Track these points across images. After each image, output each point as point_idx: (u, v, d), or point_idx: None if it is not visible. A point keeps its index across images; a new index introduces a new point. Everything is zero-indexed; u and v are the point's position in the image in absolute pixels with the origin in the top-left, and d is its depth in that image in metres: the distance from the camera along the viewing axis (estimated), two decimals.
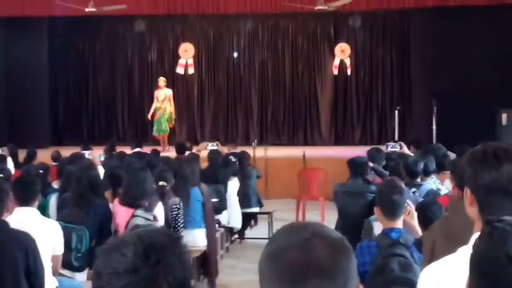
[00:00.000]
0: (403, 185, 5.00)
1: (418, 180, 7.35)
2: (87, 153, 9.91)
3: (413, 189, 7.01)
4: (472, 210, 2.32)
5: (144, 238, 1.60)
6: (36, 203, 5.54)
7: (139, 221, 6.26)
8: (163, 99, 17.85)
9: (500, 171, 2.21)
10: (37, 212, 5.50)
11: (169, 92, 18.11)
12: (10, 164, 10.70)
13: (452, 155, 8.70)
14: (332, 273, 1.51)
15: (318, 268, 1.50)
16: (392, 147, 9.94)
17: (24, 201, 5.40)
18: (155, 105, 17.89)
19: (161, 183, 7.35)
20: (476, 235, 1.84)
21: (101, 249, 1.63)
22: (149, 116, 18.14)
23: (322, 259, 1.50)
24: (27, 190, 5.44)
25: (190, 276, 1.66)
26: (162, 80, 18.10)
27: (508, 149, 2.27)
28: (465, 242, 2.22)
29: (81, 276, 6.18)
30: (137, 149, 13.01)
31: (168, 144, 17.63)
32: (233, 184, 10.26)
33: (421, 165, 7.41)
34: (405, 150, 9.92)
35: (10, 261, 4.59)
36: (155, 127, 17.95)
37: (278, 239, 1.58)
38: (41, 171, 8.52)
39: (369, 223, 5.94)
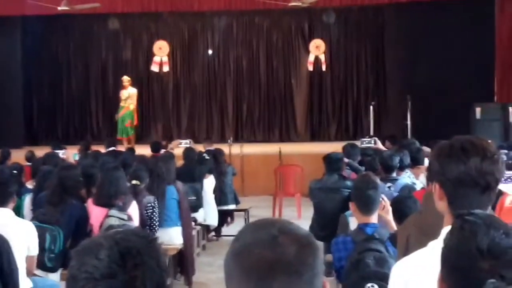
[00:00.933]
0: (379, 180, 5.01)
1: (394, 174, 7.38)
2: (61, 153, 9.83)
3: (389, 184, 7.04)
4: (441, 204, 2.34)
5: (119, 241, 1.58)
6: (11, 204, 5.49)
7: (113, 221, 6.23)
8: (126, 98, 17.82)
9: (468, 164, 2.24)
10: (11, 213, 5.46)
11: (132, 91, 18.09)
12: None
13: (427, 150, 8.74)
14: (299, 270, 1.50)
15: (285, 265, 1.49)
16: (366, 143, 9.96)
17: (0, 201, 5.36)
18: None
19: (134, 181, 7.31)
20: (446, 229, 1.85)
21: (75, 251, 1.60)
22: (117, 117, 18.10)
23: (289, 256, 1.50)
24: (1, 191, 5.39)
25: (166, 279, 1.64)
26: (125, 80, 18.06)
27: (475, 142, 2.29)
28: (437, 236, 2.23)
29: (54, 277, 6.13)
30: (112, 148, 12.93)
31: (134, 143, 17.46)
32: (209, 182, 10.24)
33: (396, 160, 7.44)
34: (379, 145, 9.95)
35: None
36: (118, 128, 17.92)
37: (244, 236, 1.56)
38: (15, 172, 8.44)
39: (344, 218, 5.96)
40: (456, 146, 2.28)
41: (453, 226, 1.79)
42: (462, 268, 1.70)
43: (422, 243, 2.40)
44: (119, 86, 18.39)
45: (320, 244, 7.28)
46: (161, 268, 1.61)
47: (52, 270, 6.07)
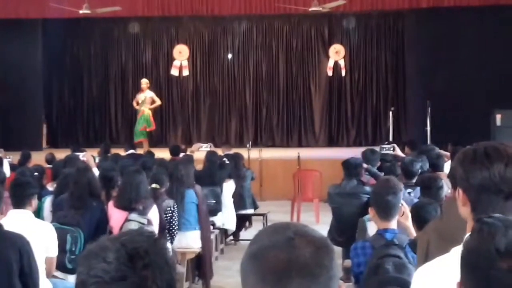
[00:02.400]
0: (401, 186, 4.98)
1: (414, 181, 7.34)
2: (81, 155, 9.87)
3: (409, 190, 7.01)
4: (464, 210, 2.33)
5: (126, 242, 1.59)
6: (33, 206, 5.51)
7: (133, 225, 6.24)
8: (143, 101, 17.82)
9: (491, 170, 2.22)
10: (31, 215, 5.49)
11: (149, 94, 18.01)
12: (6, 166, 10.65)
13: (446, 153, 8.71)
14: (315, 272, 1.51)
15: (301, 267, 1.50)
16: (385, 150, 9.92)
17: (19, 203, 5.39)
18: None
19: (154, 185, 7.32)
20: (469, 235, 1.85)
21: (81, 257, 1.61)
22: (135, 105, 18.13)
23: (305, 258, 1.51)
24: (22, 192, 5.42)
25: (175, 276, 1.66)
26: (144, 82, 18.05)
27: (498, 148, 2.28)
28: (459, 242, 2.22)
29: (74, 278, 6.15)
30: (131, 151, 12.99)
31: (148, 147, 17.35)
32: (229, 186, 10.24)
33: (417, 166, 7.41)
34: (398, 152, 9.90)
35: (4, 263, 4.59)
36: (135, 131, 17.94)
37: (261, 239, 1.58)
38: (36, 174, 8.49)
39: (363, 222, 5.94)
40: (480, 152, 2.27)
41: (473, 229, 1.80)
42: (480, 268, 1.71)
43: (442, 250, 2.40)
44: (139, 90, 18.43)
45: (339, 250, 7.31)
46: (170, 266, 1.62)
47: (73, 271, 6.09)
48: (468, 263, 1.75)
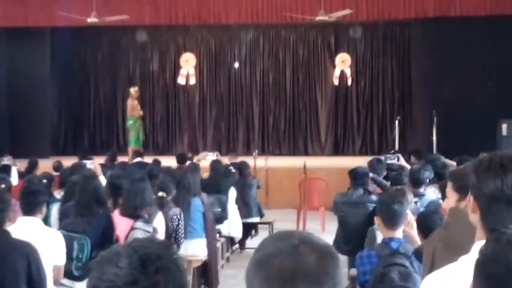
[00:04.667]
0: (409, 195, 4.98)
1: (421, 190, 7.34)
2: (88, 163, 9.90)
3: (415, 199, 7.01)
4: (474, 217, 2.33)
5: (138, 248, 1.60)
6: (41, 214, 5.54)
7: (139, 233, 6.25)
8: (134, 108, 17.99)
9: (504, 181, 2.21)
10: (40, 222, 5.51)
11: (135, 102, 18.20)
12: (14, 174, 10.69)
13: (452, 163, 8.70)
14: (320, 279, 1.52)
15: (306, 274, 1.51)
16: (390, 159, 9.91)
17: (30, 210, 5.42)
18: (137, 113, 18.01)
19: (160, 193, 7.34)
20: (478, 244, 1.87)
21: (94, 262, 1.62)
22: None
23: (310, 265, 1.52)
24: (33, 200, 5.45)
25: (187, 282, 1.67)
26: (135, 90, 18.24)
27: None
28: (465, 250, 2.23)
29: (81, 286, 6.17)
30: (138, 159, 13.02)
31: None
32: (232, 194, 10.27)
33: (425, 174, 7.39)
34: (402, 162, 9.88)
35: (12, 271, 4.61)
36: (137, 139, 18.00)
37: (266, 246, 1.59)
38: (45, 181, 8.52)
39: (373, 232, 5.96)
40: (495, 161, 2.25)
41: (489, 239, 1.81)
42: (498, 277, 1.72)
43: (448, 258, 2.41)
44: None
45: (344, 258, 7.32)
46: (181, 271, 1.63)
47: (79, 279, 6.10)
48: (484, 271, 1.77)
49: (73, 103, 20.87)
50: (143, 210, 6.52)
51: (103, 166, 10.58)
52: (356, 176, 7.97)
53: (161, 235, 6.55)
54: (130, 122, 18.13)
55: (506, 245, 1.74)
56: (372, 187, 8.43)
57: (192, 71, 19.52)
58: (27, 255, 4.67)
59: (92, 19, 16.46)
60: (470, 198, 2.34)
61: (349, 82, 19.47)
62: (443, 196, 6.68)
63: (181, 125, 20.76)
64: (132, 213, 6.49)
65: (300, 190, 13.45)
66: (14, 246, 4.69)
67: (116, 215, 6.65)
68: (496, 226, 2.06)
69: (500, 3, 16.74)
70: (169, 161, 12.96)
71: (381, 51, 20.29)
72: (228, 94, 20.73)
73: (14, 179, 9.93)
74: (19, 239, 4.76)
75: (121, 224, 6.53)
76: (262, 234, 11.27)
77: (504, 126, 15.42)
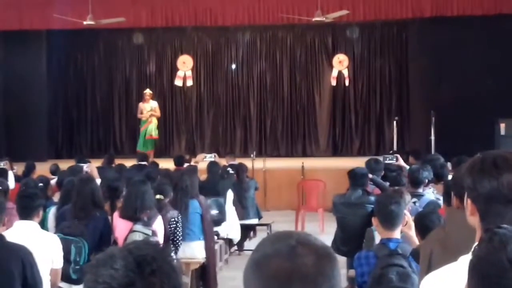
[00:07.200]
0: (407, 196, 4.97)
1: (420, 190, 7.33)
2: (85, 166, 9.88)
3: (414, 199, 7.00)
4: (473, 220, 2.31)
5: (133, 250, 1.60)
6: (38, 217, 5.53)
7: (137, 236, 6.24)
8: (149, 111, 17.92)
9: (500, 180, 2.19)
10: (37, 226, 5.49)
11: (154, 104, 18.17)
12: (11, 177, 10.66)
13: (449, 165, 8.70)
14: (317, 280, 1.52)
15: (303, 275, 1.51)
16: (388, 160, 9.90)
17: (26, 214, 5.40)
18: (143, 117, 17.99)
19: (158, 196, 7.33)
20: (477, 244, 1.85)
21: (89, 265, 1.62)
22: (142, 129, 18.17)
23: (308, 266, 1.51)
24: (30, 204, 5.44)
25: (182, 283, 1.67)
26: (148, 93, 18.15)
27: (507, 157, 2.24)
28: (462, 251, 2.21)
29: None
30: (144, 163, 12.92)
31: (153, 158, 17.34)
32: (230, 196, 10.26)
33: (424, 174, 7.39)
34: (401, 162, 9.89)
35: (6, 274, 4.59)
36: (140, 141, 17.97)
37: (263, 247, 1.59)
38: (41, 184, 8.50)
39: (371, 232, 5.96)
40: (489, 161, 2.23)
41: (482, 239, 1.80)
42: (492, 277, 1.72)
43: (445, 259, 2.39)
44: (142, 100, 18.45)
45: (343, 260, 7.30)
46: (177, 272, 1.63)
47: (77, 282, 6.10)
48: (478, 272, 1.76)
49: (69, 106, 20.84)
50: (143, 212, 6.51)
51: (100, 169, 10.54)
52: (355, 177, 7.96)
53: (160, 238, 6.54)
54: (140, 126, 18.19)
55: (498, 245, 1.73)
56: (371, 188, 8.42)
57: (189, 73, 19.49)
58: (21, 258, 4.65)
59: (88, 22, 16.41)
60: (467, 201, 2.32)
61: (347, 83, 19.45)
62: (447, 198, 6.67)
63: (179, 127, 20.74)
64: (132, 216, 6.49)
65: (298, 191, 13.44)
66: (8, 250, 4.67)
67: (115, 217, 6.64)
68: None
69: (497, 3, 16.73)
70: (167, 163, 12.93)
71: (379, 51, 20.28)
72: (226, 95, 20.72)
73: (11, 183, 9.89)
74: (14, 242, 4.74)
75: (120, 226, 6.53)
76: (261, 235, 11.25)
77: (502, 126, 15.41)
